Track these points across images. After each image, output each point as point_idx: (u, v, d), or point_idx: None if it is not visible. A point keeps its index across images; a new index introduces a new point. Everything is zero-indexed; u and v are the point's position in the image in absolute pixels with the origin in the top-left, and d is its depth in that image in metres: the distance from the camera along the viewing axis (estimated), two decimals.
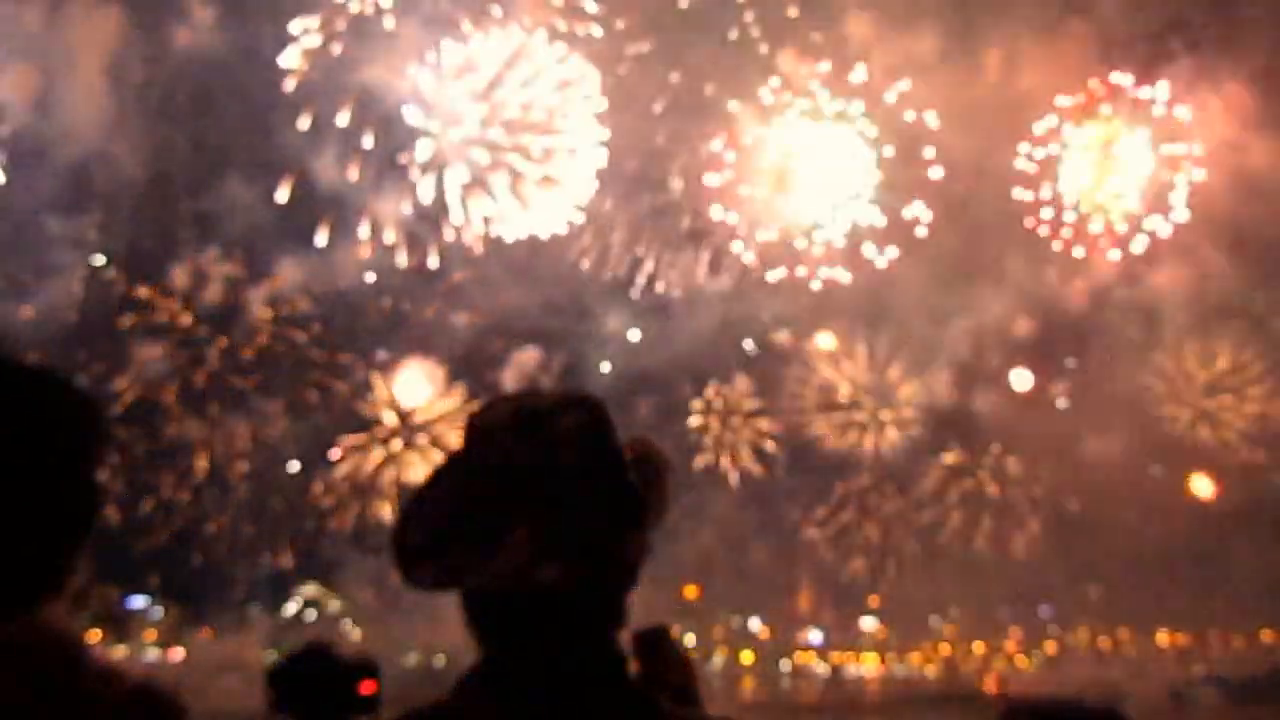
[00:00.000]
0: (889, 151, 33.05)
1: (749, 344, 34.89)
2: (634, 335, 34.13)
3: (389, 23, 30.98)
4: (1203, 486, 34.39)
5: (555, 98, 31.77)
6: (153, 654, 33.53)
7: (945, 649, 38.36)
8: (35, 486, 1.63)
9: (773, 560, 34.53)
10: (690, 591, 33.89)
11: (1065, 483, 33.92)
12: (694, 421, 34.26)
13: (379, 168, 31.41)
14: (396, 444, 32.73)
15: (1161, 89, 33.22)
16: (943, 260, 32.55)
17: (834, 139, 33.20)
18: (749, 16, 32.54)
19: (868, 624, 37.70)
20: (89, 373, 29.47)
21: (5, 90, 29.04)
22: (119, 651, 31.13)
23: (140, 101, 30.65)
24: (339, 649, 4.40)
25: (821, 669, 37.98)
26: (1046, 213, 33.46)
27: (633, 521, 1.70)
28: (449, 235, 31.89)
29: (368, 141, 31.17)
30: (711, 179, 33.12)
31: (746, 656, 37.28)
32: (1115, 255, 33.62)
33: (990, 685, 35.18)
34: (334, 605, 33.68)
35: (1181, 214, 33.28)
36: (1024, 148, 33.31)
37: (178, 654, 33.69)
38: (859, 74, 32.51)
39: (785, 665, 37.77)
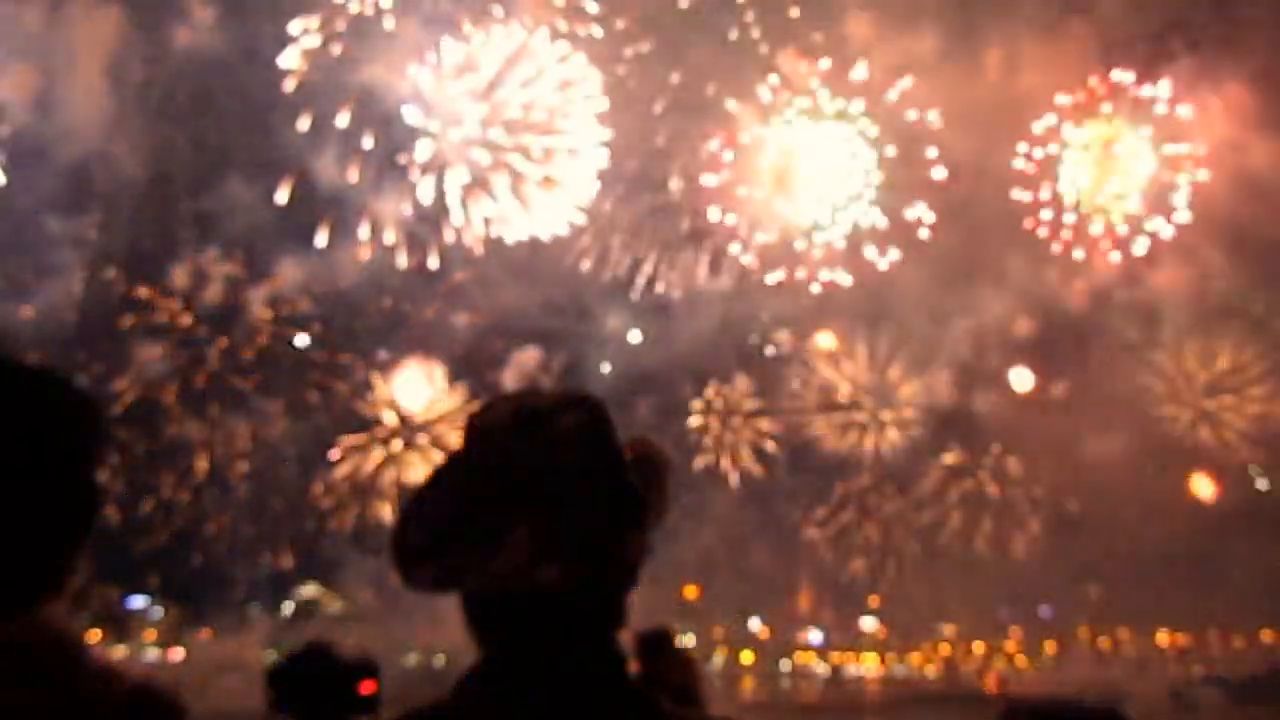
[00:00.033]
0: (890, 151, 33.09)
1: (754, 339, 34.93)
2: (634, 336, 34.17)
3: (389, 23, 31.02)
4: (1203, 487, 34.40)
5: (556, 97, 31.78)
6: (153, 654, 33.55)
7: (945, 649, 38.37)
8: (35, 486, 1.63)
9: (773, 560, 34.54)
10: (690, 591, 33.90)
11: (1065, 483, 33.94)
12: (694, 422, 34.31)
13: (379, 168, 31.45)
14: (397, 444, 32.76)
15: (1163, 87, 33.24)
16: (943, 260, 32.57)
17: (834, 138, 33.21)
18: (749, 16, 32.57)
19: (868, 624, 37.71)
20: (89, 373, 29.47)
21: (5, 90, 29.06)
22: (119, 651, 31.13)
23: (140, 101, 30.70)
24: (339, 649, 4.40)
25: (821, 669, 37.99)
26: (1046, 214, 33.50)
27: (633, 521, 1.70)
28: (449, 236, 31.94)
29: (368, 142, 31.22)
30: (710, 179, 33.16)
31: (746, 656, 37.29)
32: (1116, 257, 33.66)
33: (990, 685, 35.18)
34: (334, 605, 33.68)
35: (1183, 215, 33.29)
36: (1024, 147, 33.34)
37: (178, 654, 33.70)
38: (860, 72, 32.53)
39: (785, 665, 37.78)
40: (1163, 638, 37.83)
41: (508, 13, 31.45)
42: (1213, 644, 37.20)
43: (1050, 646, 37.82)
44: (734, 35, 32.68)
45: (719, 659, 36.04)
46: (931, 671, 37.88)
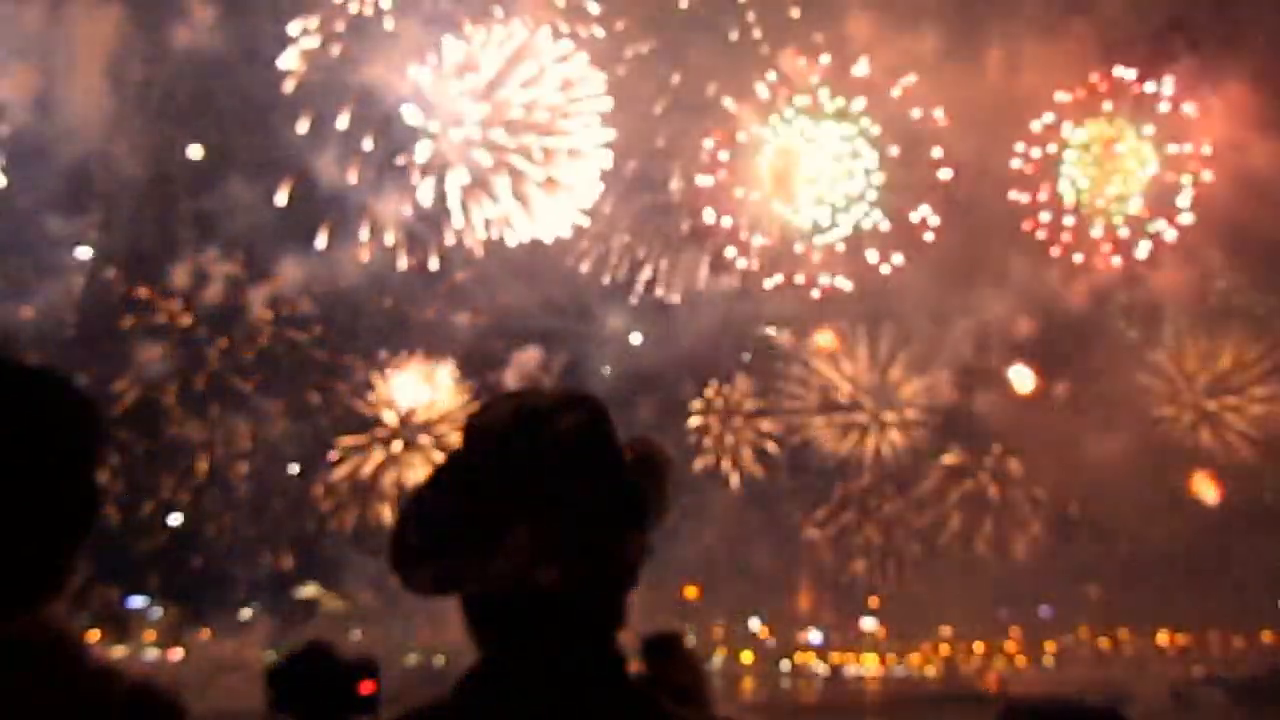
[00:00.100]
0: (892, 151, 33.07)
1: (758, 334, 34.89)
2: (635, 337, 34.16)
3: (389, 23, 31.00)
4: (1204, 488, 34.38)
5: (558, 97, 31.75)
6: (153, 654, 33.52)
7: (945, 649, 38.35)
8: (35, 486, 1.63)
9: (773, 560, 34.53)
10: (690, 591, 33.89)
11: (1066, 484, 33.93)
12: (694, 422, 34.30)
13: (379, 168, 31.44)
14: (397, 445, 32.75)
15: (1166, 84, 33.19)
16: (944, 260, 32.56)
17: (835, 138, 33.19)
18: (750, 16, 32.56)
19: (868, 624, 37.69)
20: (89, 373, 29.45)
21: (5, 90, 29.07)
22: (119, 651, 31.11)
23: (140, 101, 30.68)
24: (339, 649, 4.40)
25: (821, 669, 37.97)
26: (1045, 216, 33.47)
27: (633, 521, 1.70)
28: (450, 239, 31.93)
29: (368, 143, 31.20)
30: (710, 180, 33.14)
31: (746, 656, 37.28)
32: (1117, 261, 33.64)
33: (990, 685, 35.17)
34: (334, 605, 33.67)
35: (1186, 217, 33.26)
36: (1024, 148, 33.30)
37: (178, 654, 33.68)
38: (861, 68, 32.50)
39: (785, 665, 37.76)
40: (1163, 638, 37.82)
41: (508, 12, 31.46)
42: (1213, 644, 37.20)
43: (1050, 646, 37.79)
44: (735, 36, 32.71)
45: (719, 659, 36.02)
46: (931, 672, 37.86)
